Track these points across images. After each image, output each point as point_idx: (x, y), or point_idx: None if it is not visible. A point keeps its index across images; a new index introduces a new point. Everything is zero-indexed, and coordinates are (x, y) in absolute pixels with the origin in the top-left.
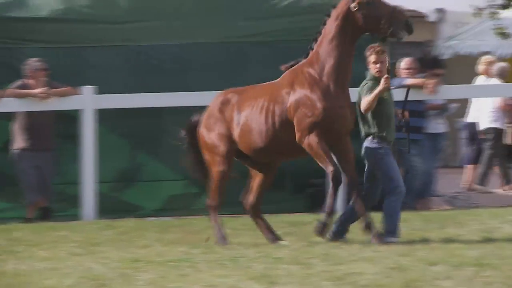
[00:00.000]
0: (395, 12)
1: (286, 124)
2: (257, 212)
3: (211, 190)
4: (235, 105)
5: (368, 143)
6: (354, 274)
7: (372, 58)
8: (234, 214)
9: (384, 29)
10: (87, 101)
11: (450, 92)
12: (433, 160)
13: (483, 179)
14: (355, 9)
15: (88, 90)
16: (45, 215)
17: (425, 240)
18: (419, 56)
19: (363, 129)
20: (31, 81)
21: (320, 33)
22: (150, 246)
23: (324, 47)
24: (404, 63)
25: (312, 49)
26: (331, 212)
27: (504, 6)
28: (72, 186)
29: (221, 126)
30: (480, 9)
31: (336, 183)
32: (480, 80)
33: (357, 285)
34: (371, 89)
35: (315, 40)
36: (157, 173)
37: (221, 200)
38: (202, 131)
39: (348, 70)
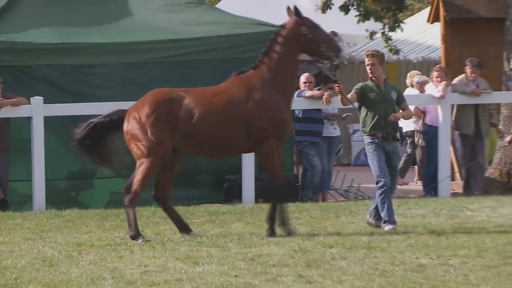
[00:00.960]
0: (332, 40)
1: (239, 127)
2: (167, 203)
3: (140, 181)
4: (186, 104)
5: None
6: (264, 256)
7: (365, 61)
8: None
9: (322, 53)
10: (36, 110)
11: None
12: (330, 159)
13: (402, 173)
14: (303, 32)
15: (37, 100)
16: (3, 206)
17: (323, 227)
18: (316, 71)
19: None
20: None
21: (269, 48)
22: (91, 232)
23: (276, 62)
24: (303, 77)
25: (262, 62)
26: (287, 222)
27: (392, 29)
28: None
29: (166, 123)
30: (373, 32)
31: (278, 195)
32: (408, 91)
33: (267, 265)
34: (360, 87)
35: (265, 54)
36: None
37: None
38: (139, 125)
39: (293, 83)
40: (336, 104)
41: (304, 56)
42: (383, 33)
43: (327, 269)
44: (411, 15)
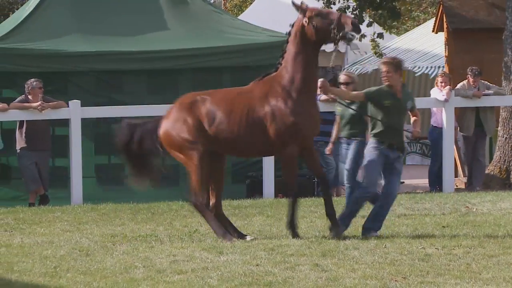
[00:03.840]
0: (341, 17)
1: (258, 130)
2: (218, 211)
3: (194, 187)
4: (208, 105)
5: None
6: (283, 246)
7: (381, 68)
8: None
9: (334, 35)
10: (74, 112)
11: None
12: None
13: None
14: (306, 23)
15: (75, 103)
16: (43, 200)
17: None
18: (330, 77)
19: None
20: (30, 96)
21: (283, 49)
22: (124, 224)
23: (291, 62)
24: (319, 83)
25: (281, 64)
26: (294, 226)
27: (380, 35)
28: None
29: (194, 126)
30: (363, 35)
31: (295, 200)
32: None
33: (286, 255)
34: (375, 90)
35: (282, 56)
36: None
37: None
38: (170, 133)
39: (315, 80)
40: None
41: (320, 62)
42: (372, 40)
43: (341, 259)
44: (418, 25)
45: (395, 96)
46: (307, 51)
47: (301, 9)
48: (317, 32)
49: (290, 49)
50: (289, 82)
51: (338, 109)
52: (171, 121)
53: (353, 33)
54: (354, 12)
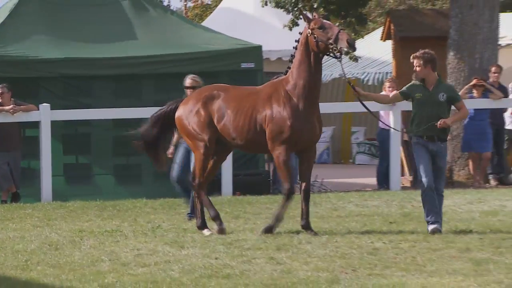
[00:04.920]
0: (339, 33)
1: (258, 129)
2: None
3: (196, 173)
4: (221, 101)
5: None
6: (240, 240)
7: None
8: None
9: (332, 49)
10: (44, 115)
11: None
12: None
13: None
14: (309, 34)
15: (45, 106)
16: (15, 198)
17: (291, 216)
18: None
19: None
20: (0, 100)
21: (292, 55)
22: (92, 220)
23: (296, 69)
24: None
25: (289, 68)
26: (280, 219)
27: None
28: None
29: (205, 117)
30: None
31: (289, 197)
32: None
33: (243, 248)
34: (407, 86)
35: (290, 60)
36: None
37: (204, 180)
38: (183, 120)
39: (317, 87)
40: None
41: (275, 68)
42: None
43: (295, 252)
44: (367, 34)
45: (426, 88)
46: (310, 60)
47: (307, 19)
48: (317, 44)
49: (297, 56)
50: (292, 88)
51: None
52: (187, 109)
53: (349, 49)
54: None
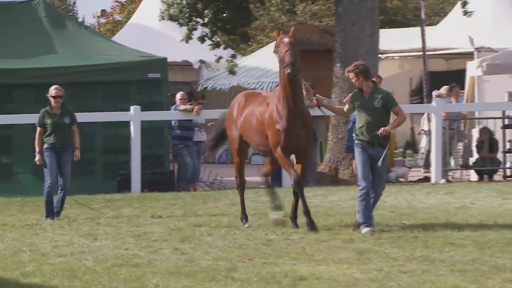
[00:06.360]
0: (285, 55)
1: (264, 133)
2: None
3: (235, 172)
4: (240, 108)
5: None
6: (148, 233)
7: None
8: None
9: (282, 68)
10: None
11: (209, 114)
12: (199, 158)
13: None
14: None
15: None
16: None
17: (194, 211)
18: (188, 91)
19: None
20: None
21: None
22: (14, 215)
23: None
24: (179, 95)
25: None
26: (308, 210)
27: (233, 56)
28: None
29: (234, 123)
30: (220, 57)
31: (300, 186)
32: None
33: (150, 240)
34: (350, 96)
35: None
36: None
37: (243, 181)
38: (225, 126)
39: (296, 95)
40: (204, 116)
41: (178, 78)
42: (228, 61)
43: (197, 243)
44: (261, 47)
45: (363, 97)
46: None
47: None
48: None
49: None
50: (278, 96)
51: None
52: (227, 115)
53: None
54: (213, 39)
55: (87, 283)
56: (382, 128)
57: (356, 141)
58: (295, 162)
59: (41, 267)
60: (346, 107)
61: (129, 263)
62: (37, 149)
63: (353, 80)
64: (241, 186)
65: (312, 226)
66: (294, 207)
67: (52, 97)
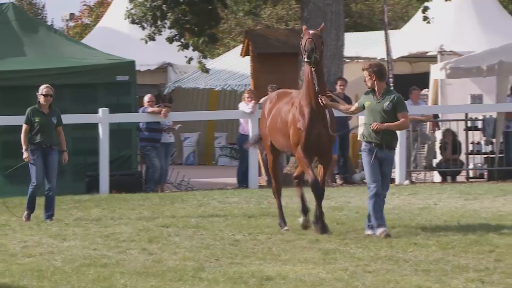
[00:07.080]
0: (303, 42)
1: (287, 132)
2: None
3: (270, 173)
4: (270, 107)
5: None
6: (116, 233)
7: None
8: None
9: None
10: None
11: (176, 116)
12: (166, 160)
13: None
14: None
15: None
16: None
17: (161, 211)
18: (156, 93)
19: None
20: None
21: None
22: None
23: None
24: (147, 97)
25: None
26: (322, 213)
27: (204, 56)
28: None
29: (264, 122)
30: (190, 58)
31: (315, 189)
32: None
33: (118, 240)
34: (362, 96)
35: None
36: None
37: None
38: (260, 123)
39: (308, 95)
40: (171, 118)
41: (147, 80)
42: (199, 61)
43: (165, 244)
44: (228, 50)
45: (374, 97)
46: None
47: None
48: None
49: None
50: (301, 94)
51: None
52: (261, 117)
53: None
54: (181, 41)
55: (56, 283)
56: (376, 123)
57: (364, 145)
58: (318, 165)
59: (10, 267)
60: (355, 106)
61: (97, 263)
62: (24, 147)
63: (366, 79)
64: (278, 190)
65: (323, 230)
66: (317, 211)
67: (43, 95)
